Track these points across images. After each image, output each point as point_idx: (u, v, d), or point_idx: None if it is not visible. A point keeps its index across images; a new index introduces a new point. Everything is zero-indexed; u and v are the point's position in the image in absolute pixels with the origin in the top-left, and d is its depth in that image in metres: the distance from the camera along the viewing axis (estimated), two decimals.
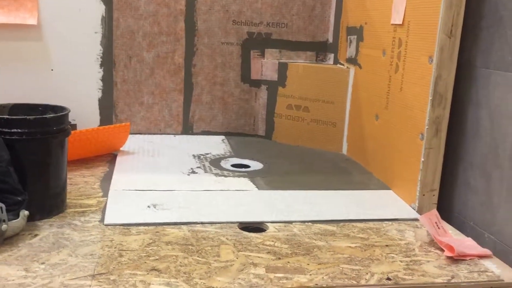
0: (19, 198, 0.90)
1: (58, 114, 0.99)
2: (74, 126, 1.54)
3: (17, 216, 0.89)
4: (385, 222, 1.08)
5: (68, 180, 1.11)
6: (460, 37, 1.09)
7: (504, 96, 1.02)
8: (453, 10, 1.08)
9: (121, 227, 0.98)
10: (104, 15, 1.56)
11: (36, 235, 0.92)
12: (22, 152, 0.95)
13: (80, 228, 0.96)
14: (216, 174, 1.32)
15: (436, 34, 1.09)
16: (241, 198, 1.16)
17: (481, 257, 0.93)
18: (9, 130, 0.93)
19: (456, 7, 1.08)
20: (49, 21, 1.52)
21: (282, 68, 1.66)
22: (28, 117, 0.95)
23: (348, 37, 1.58)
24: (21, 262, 0.82)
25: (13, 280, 0.77)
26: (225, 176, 1.31)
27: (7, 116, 0.97)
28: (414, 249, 0.96)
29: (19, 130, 0.93)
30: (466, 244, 0.97)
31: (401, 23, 1.24)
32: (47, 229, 0.95)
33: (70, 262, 0.83)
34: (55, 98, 1.39)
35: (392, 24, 1.29)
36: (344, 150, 1.60)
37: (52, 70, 1.55)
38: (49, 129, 0.97)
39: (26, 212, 0.91)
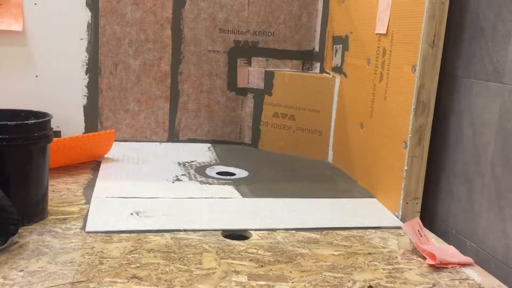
0: (13, 227, 0.89)
1: (40, 120, 0.99)
2: (58, 133, 1.53)
3: (4, 242, 0.87)
4: (369, 230, 1.09)
5: (50, 187, 1.10)
6: (442, 47, 1.11)
7: (485, 105, 1.03)
8: (436, 21, 1.09)
9: (103, 234, 0.97)
10: (90, 21, 1.56)
11: (15, 242, 0.90)
12: (2, 158, 0.94)
13: (60, 236, 0.95)
14: (201, 182, 1.31)
15: (419, 44, 1.10)
16: (225, 205, 1.16)
17: (462, 265, 0.94)
18: None
19: (438, 18, 1.09)
20: (35, 27, 1.51)
21: (269, 77, 1.67)
22: (9, 122, 0.94)
23: (334, 46, 1.59)
24: None
25: None
26: (210, 183, 1.31)
27: None
28: (396, 257, 0.96)
29: (0, 136, 0.92)
30: (448, 252, 0.98)
31: (385, 32, 1.25)
32: (27, 236, 0.93)
33: (49, 270, 0.82)
34: (40, 104, 1.38)
35: (376, 34, 1.30)
36: (330, 158, 1.61)
37: (36, 76, 1.54)
38: (30, 135, 0.96)
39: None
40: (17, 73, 1.52)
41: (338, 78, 1.56)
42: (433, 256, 0.93)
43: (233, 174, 1.43)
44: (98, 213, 1.06)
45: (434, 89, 1.12)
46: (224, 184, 1.31)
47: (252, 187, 1.30)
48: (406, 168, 1.13)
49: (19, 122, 0.96)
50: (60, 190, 1.19)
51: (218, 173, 1.42)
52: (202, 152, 1.60)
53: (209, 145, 1.69)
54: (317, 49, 1.72)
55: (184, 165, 1.46)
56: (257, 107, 1.69)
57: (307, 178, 1.43)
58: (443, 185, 1.16)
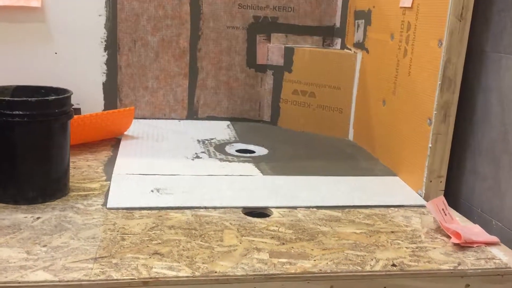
0: None
1: (60, 96, 0.98)
2: (78, 110, 1.53)
3: None
4: (391, 208, 1.07)
5: (71, 164, 1.10)
6: (470, 21, 1.07)
7: None
8: None
9: (124, 211, 0.97)
10: None
11: (38, 218, 0.91)
12: (23, 134, 0.94)
13: (82, 212, 0.95)
14: (221, 159, 1.31)
15: (446, 17, 1.06)
16: (246, 183, 1.15)
17: (488, 244, 0.92)
18: (10, 112, 0.92)
19: None
20: (53, 3, 1.50)
21: (288, 53, 1.64)
22: (30, 99, 0.94)
23: (356, 21, 1.55)
24: (23, 244, 0.82)
25: (14, 262, 0.76)
26: (230, 161, 1.30)
27: (9, 98, 0.95)
28: (420, 236, 0.94)
29: (21, 112, 0.92)
30: (473, 231, 0.96)
31: (410, 6, 1.21)
32: (50, 212, 0.94)
33: (72, 245, 0.82)
34: (59, 81, 1.37)
35: (400, 7, 1.26)
36: (350, 136, 1.58)
37: (56, 53, 1.54)
38: (51, 112, 0.96)
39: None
40: (37, 50, 1.52)
41: (359, 54, 1.53)
42: (458, 235, 0.92)
43: (253, 152, 1.42)
44: (119, 189, 1.06)
45: (461, 64, 1.08)
46: (243, 161, 1.30)
47: (272, 164, 1.29)
48: (430, 145, 1.11)
49: (40, 98, 0.96)
50: (81, 167, 1.19)
51: (237, 151, 1.41)
52: (221, 130, 1.59)
53: (228, 122, 1.68)
54: (338, 24, 1.68)
55: (203, 142, 1.45)
56: (277, 84, 1.67)
57: (327, 156, 1.41)
58: (468, 163, 1.13)
